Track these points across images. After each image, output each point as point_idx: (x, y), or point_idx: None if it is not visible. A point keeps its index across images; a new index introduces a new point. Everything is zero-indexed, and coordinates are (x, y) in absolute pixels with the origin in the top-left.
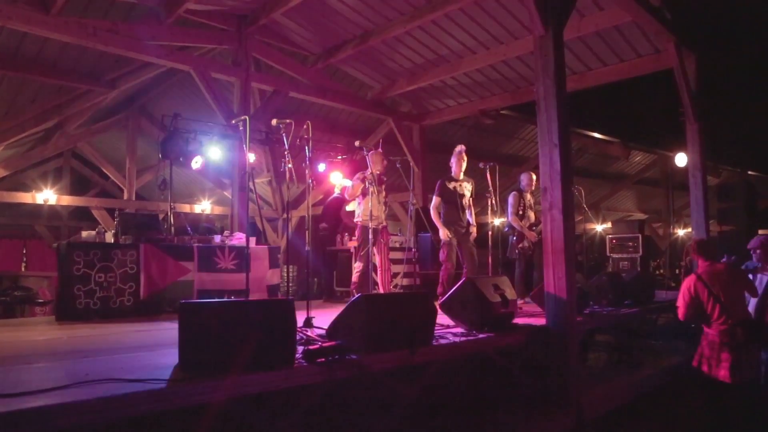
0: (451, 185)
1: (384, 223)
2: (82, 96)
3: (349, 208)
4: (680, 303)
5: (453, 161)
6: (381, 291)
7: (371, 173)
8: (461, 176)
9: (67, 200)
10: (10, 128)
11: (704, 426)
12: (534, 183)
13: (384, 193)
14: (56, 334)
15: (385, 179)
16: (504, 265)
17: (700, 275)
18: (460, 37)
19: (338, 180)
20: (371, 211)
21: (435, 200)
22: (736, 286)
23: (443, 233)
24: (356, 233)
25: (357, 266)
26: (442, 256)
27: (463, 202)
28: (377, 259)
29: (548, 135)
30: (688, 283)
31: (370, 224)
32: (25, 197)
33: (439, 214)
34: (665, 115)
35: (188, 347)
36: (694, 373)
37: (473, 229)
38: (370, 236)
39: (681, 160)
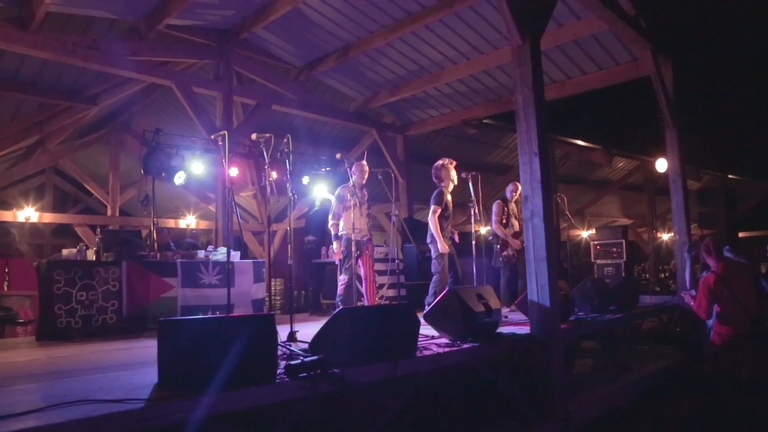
0: (448, 197)
1: (368, 235)
2: (63, 112)
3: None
4: (700, 301)
5: (445, 174)
6: (366, 303)
7: (352, 186)
8: (450, 188)
9: (49, 218)
10: None
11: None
12: (518, 193)
13: (367, 204)
14: (35, 354)
15: (366, 190)
16: (489, 274)
17: (719, 274)
18: (441, 48)
19: (321, 193)
20: (353, 224)
21: (435, 209)
22: (750, 285)
23: (442, 247)
24: (342, 246)
25: (342, 279)
26: (436, 266)
27: (451, 213)
28: (362, 271)
29: (528, 144)
30: (707, 280)
31: (353, 236)
32: (6, 215)
33: (438, 224)
34: (646, 121)
35: (167, 365)
36: (709, 376)
37: (456, 236)
38: (353, 248)
39: (661, 165)
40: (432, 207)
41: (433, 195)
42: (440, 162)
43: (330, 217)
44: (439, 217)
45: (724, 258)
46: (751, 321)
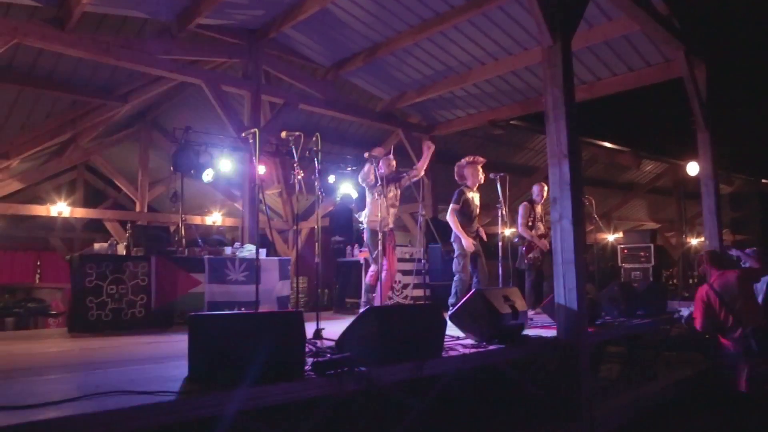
0: (470, 195)
1: (390, 226)
2: (95, 110)
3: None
4: (696, 314)
5: (470, 171)
6: (378, 297)
7: (380, 175)
8: (475, 188)
9: (80, 212)
10: (25, 142)
11: None
12: (545, 194)
13: (395, 193)
14: (68, 345)
15: (394, 184)
16: (515, 276)
17: (712, 284)
18: (469, 48)
19: (344, 190)
20: (378, 214)
21: (453, 207)
22: (749, 295)
23: (467, 243)
24: (364, 237)
25: (372, 268)
26: (457, 266)
27: (475, 212)
28: (385, 263)
29: (557, 145)
30: (701, 292)
31: (378, 227)
32: (40, 210)
33: (458, 222)
34: (676, 123)
35: (198, 359)
36: (716, 386)
37: (482, 233)
38: (379, 238)
39: (692, 168)
40: (450, 206)
41: (454, 193)
42: (464, 160)
43: (360, 179)
44: (462, 214)
45: (723, 267)
46: (748, 334)
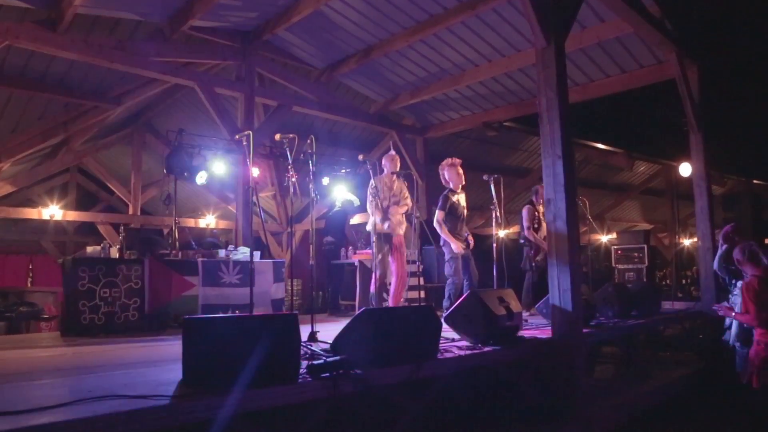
0: (455, 198)
1: (400, 233)
2: (88, 112)
3: (353, 221)
4: (749, 308)
5: (450, 174)
6: (390, 303)
7: (375, 187)
8: (459, 189)
9: (72, 216)
10: (17, 145)
11: None
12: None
13: (404, 196)
14: (61, 350)
15: (403, 182)
16: (510, 277)
17: (761, 276)
18: (462, 50)
19: (341, 194)
20: (381, 218)
21: (439, 214)
22: None
23: (456, 246)
24: (372, 240)
25: (374, 275)
26: (449, 269)
27: (463, 214)
28: (393, 268)
29: (551, 147)
30: (751, 285)
31: (383, 231)
32: (32, 213)
33: (445, 227)
34: (669, 124)
35: (192, 363)
36: (745, 390)
37: (470, 239)
38: (375, 242)
39: (685, 169)
40: (436, 212)
41: (439, 199)
42: (443, 163)
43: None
44: (449, 218)
45: (762, 263)
46: None
